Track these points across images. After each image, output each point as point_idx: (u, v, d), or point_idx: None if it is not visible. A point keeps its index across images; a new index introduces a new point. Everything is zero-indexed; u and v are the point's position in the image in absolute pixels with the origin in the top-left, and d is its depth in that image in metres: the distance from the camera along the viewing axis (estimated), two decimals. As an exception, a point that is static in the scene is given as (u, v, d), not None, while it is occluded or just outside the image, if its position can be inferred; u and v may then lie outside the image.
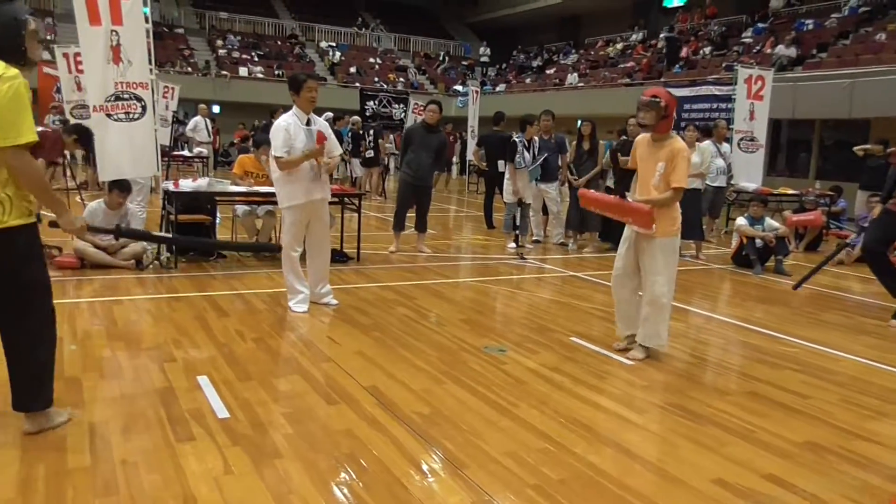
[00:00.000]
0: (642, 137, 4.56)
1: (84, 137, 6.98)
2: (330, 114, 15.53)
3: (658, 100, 4.29)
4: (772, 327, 5.54)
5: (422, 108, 17.96)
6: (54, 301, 3.07)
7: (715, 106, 13.70)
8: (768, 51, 17.67)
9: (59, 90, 13.61)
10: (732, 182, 10.54)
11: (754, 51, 18.49)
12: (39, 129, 5.30)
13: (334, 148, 5.43)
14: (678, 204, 4.43)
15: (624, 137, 8.39)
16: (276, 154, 5.09)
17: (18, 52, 2.84)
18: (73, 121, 10.54)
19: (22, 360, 2.96)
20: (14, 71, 2.78)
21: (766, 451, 3.23)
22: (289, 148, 5.07)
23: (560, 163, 9.09)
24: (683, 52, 20.94)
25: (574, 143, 9.06)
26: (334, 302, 5.53)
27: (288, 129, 5.09)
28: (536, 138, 8.78)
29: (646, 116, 4.33)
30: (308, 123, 5.20)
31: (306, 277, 5.49)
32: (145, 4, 6.54)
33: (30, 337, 2.94)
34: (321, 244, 5.45)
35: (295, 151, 5.08)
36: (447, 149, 9.50)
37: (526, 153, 8.68)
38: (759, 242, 8.03)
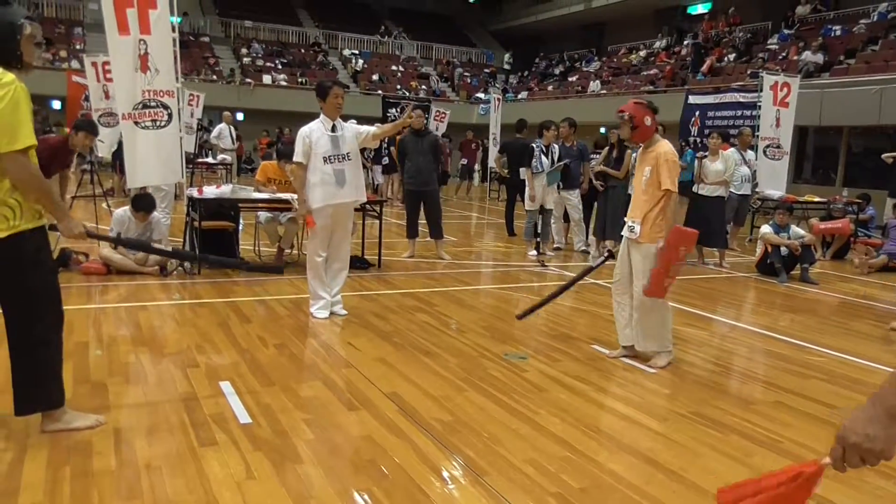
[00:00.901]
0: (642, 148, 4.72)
1: (87, 126, 6.93)
2: (353, 121, 15.62)
3: (623, 113, 4.49)
4: (798, 336, 5.46)
5: (443, 115, 18.09)
6: (82, 307, 3.12)
7: (739, 113, 13.56)
8: (794, 57, 17.47)
9: (87, 98, 13.87)
10: (757, 190, 10.43)
11: (780, 57, 18.30)
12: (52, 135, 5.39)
13: (365, 136, 5.45)
14: (668, 212, 4.40)
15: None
16: (295, 160, 5.25)
17: (14, 56, 2.85)
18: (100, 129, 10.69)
19: (28, 362, 2.97)
20: (10, 76, 2.78)
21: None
22: (307, 155, 5.15)
23: (582, 170, 9.06)
24: (707, 60, 20.77)
25: (605, 150, 9.01)
26: (343, 312, 5.47)
27: (310, 136, 5.17)
28: (556, 145, 8.76)
29: (622, 132, 4.64)
30: (334, 129, 5.25)
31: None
32: (173, 14, 6.64)
33: (37, 340, 2.96)
34: (341, 252, 5.48)
35: (316, 157, 5.15)
36: (440, 148, 9.59)
37: (543, 158, 8.66)
38: (784, 250, 7.92)
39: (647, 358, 4.58)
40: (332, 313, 5.42)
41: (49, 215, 3.00)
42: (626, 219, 4.59)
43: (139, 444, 3.03)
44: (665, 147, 4.50)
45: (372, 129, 5.55)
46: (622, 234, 4.63)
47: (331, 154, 5.18)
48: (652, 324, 4.45)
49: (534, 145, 8.78)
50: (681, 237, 4.33)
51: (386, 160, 14.13)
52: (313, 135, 5.17)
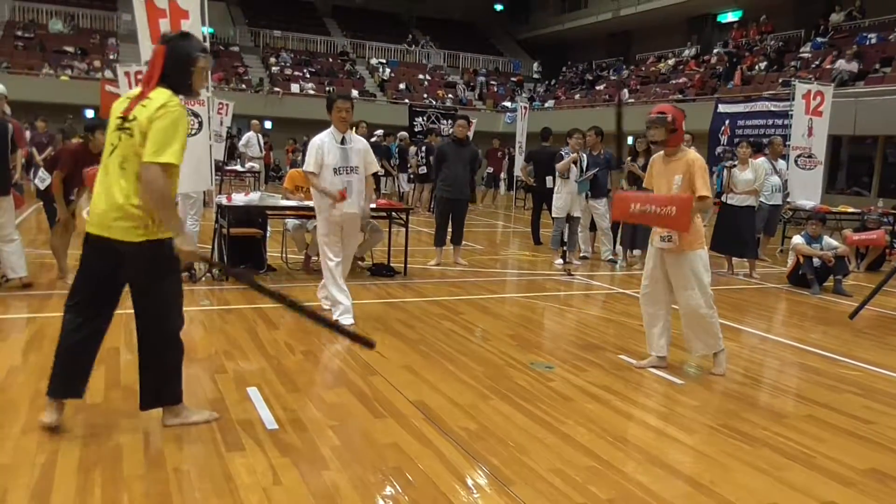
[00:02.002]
0: (657, 155, 4.60)
1: (101, 124, 6.96)
2: (380, 131, 15.73)
3: (665, 115, 4.34)
4: (831, 349, 5.35)
5: (471, 122, 18.10)
6: (117, 312, 3.20)
7: (770, 122, 13.41)
8: (828, 66, 17.21)
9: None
10: (789, 200, 10.27)
11: (812, 66, 18.04)
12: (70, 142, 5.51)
13: (371, 165, 5.57)
14: (700, 217, 4.48)
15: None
16: (307, 169, 5.35)
17: (184, 86, 3.14)
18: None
19: (157, 360, 3.20)
20: (176, 100, 3.05)
21: (826, 476, 3.11)
22: (319, 165, 5.25)
23: (609, 179, 9.00)
24: (738, 69, 20.55)
25: (628, 161, 8.96)
26: (350, 321, 5.39)
27: (321, 147, 5.28)
28: (584, 153, 8.73)
29: (655, 133, 4.38)
30: (343, 142, 5.36)
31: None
32: (204, 24, 6.74)
33: (166, 339, 3.19)
34: (347, 259, 5.61)
35: (326, 168, 5.25)
36: (479, 161, 9.70)
37: (573, 166, 8.63)
38: (816, 261, 7.78)
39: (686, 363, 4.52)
40: (325, 309, 5.47)
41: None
42: (656, 229, 4.50)
43: (168, 448, 3.06)
44: (695, 154, 4.49)
45: (375, 169, 5.69)
46: (653, 244, 4.55)
47: (340, 166, 5.29)
48: (704, 327, 4.48)
49: (562, 152, 8.76)
50: (688, 206, 4.20)
51: (423, 169, 14.16)
52: (325, 146, 5.29)
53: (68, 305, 3.17)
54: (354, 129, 11.24)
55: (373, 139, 12.40)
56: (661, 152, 4.53)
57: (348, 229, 5.45)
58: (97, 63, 23.20)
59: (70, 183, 6.16)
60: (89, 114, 21.09)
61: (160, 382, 3.22)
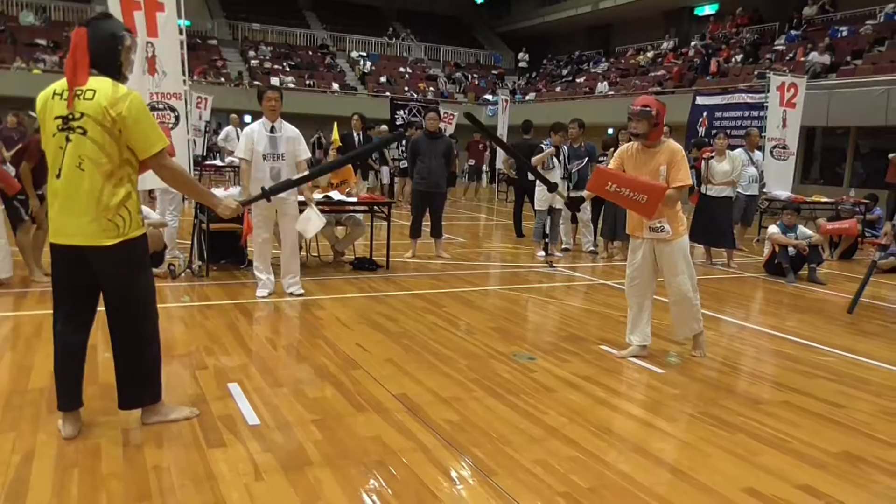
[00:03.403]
0: (628, 147, 4.64)
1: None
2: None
3: (649, 109, 4.38)
4: (805, 336, 5.44)
5: (451, 116, 18.10)
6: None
7: (747, 114, 13.53)
8: (801, 58, 17.41)
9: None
10: (765, 190, 10.40)
11: (787, 58, 18.24)
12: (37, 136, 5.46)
13: (300, 153, 5.95)
14: (680, 204, 4.58)
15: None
16: (238, 155, 5.99)
17: (114, 67, 2.98)
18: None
19: (135, 359, 3.15)
20: (123, 88, 2.92)
21: (800, 460, 3.17)
22: (250, 151, 5.80)
23: (590, 171, 9.04)
24: (714, 60, 20.72)
25: (611, 152, 9.00)
26: (300, 291, 6.03)
27: (252, 135, 5.84)
28: (565, 146, 8.76)
29: (637, 126, 4.42)
30: (273, 130, 5.86)
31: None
32: (180, 17, 6.67)
33: (143, 338, 3.13)
34: (289, 238, 5.99)
35: (256, 154, 5.80)
36: (454, 153, 9.70)
37: (554, 158, 8.66)
38: (791, 251, 7.90)
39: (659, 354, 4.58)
40: (289, 293, 6.01)
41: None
42: (646, 220, 4.50)
43: (148, 445, 3.05)
44: (676, 144, 4.58)
45: (305, 156, 6.00)
46: (644, 236, 4.58)
47: (269, 152, 5.81)
48: (691, 312, 4.63)
49: (543, 145, 8.78)
50: (660, 196, 4.32)
51: (404, 163, 14.12)
52: (254, 134, 5.83)
53: (56, 317, 3.09)
54: (353, 121, 11.31)
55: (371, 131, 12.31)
56: (635, 144, 4.57)
57: (281, 215, 5.88)
58: (71, 56, 22.82)
59: (40, 175, 6.07)
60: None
61: (139, 382, 3.17)
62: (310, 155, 6.29)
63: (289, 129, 5.94)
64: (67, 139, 2.88)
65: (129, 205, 2.98)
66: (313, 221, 6.08)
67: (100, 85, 2.88)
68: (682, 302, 4.61)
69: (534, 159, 8.59)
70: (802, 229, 8.15)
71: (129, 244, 2.98)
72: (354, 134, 11.35)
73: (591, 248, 9.27)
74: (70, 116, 2.86)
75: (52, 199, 2.96)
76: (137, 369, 3.17)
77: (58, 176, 2.91)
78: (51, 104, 2.93)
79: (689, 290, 4.56)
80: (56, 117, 2.89)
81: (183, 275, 6.66)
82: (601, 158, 9.23)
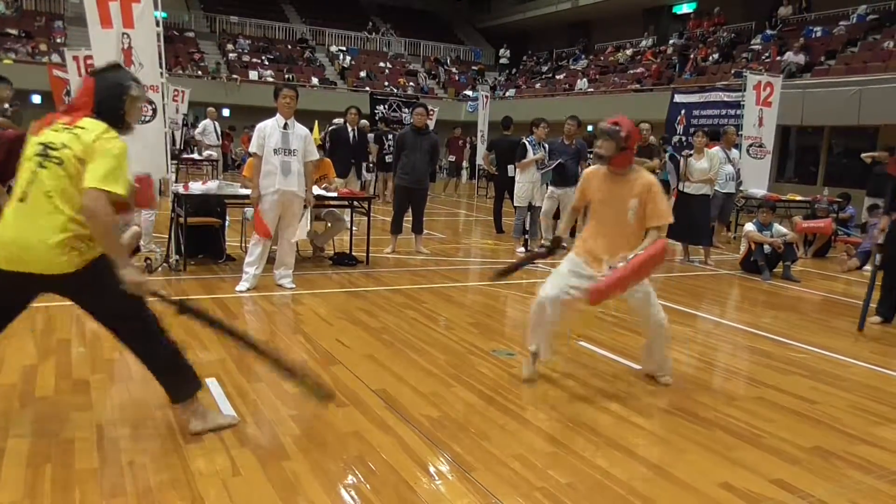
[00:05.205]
0: (593, 171, 4.07)
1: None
2: (339, 120, 15.52)
3: (618, 129, 3.81)
4: (780, 333, 5.52)
5: (432, 111, 18.07)
6: (64, 304, 3.12)
7: (724, 112, 13.65)
8: (777, 58, 17.63)
9: (68, 93, 13.71)
10: (742, 188, 10.53)
11: (763, 57, 18.45)
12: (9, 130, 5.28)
13: (310, 154, 6.10)
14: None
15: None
16: (251, 150, 6.06)
17: (117, 117, 2.95)
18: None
19: (155, 358, 3.10)
20: (113, 134, 2.86)
21: (773, 455, 3.22)
22: (261, 147, 5.87)
23: (579, 168, 9.07)
24: (691, 58, 20.91)
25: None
26: (291, 285, 6.14)
27: (264, 130, 5.92)
28: (546, 145, 8.78)
29: (603, 146, 3.85)
30: (286, 127, 5.95)
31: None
32: (157, 8, 6.58)
33: (149, 337, 3.07)
34: (287, 233, 6.11)
35: (268, 149, 5.86)
36: (438, 149, 9.68)
37: (537, 153, 8.68)
38: (767, 248, 8.01)
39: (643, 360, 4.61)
40: (280, 285, 6.13)
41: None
42: (606, 257, 3.88)
43: (123, 441, 3.01)
44: (650, 175, 3.97)
45: (314, 157, 6.23)
46: (603, 272, 3.83)
47: (280, 147, 5.89)
48: (662, 347, 4.13)
49: (525, 141, 8.80)
50: (664, 252, 3.84)
51: (389, 158, 14.01)
52: (267, 129, 5.93)
53: None
54: (348, 115, 11.17)
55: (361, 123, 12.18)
56: (600, 168, 3.99)
57: (287, 208, 5.96)
58: (43, 47, 22.39)
59: (5, 172, 5.93)
60: (36, 99, 20.43)
61: (172, 374, 3.13)
62: (318, 157, 6.46)
63: (301, 129, 6.06)
64: (42, 165, 2.80)
65: (87, 232, 2.84)
66: (303, 227, 6.20)
67: (93, 126, 2.85)
68: (659, 331, 4.06)
69: (518, 165, 8.60)
70: (778, 227, 8.27)
71: (95, 262, 2.87)
72: (349, 128, 11.13)
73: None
74: (51, 146, 2.81)
75: (12, 222, 2.81)
76: (162, 366, 3.12)
77: (25, 200, 2.80)
78: (40, 131, 2.91)
79: (664, 318, 4.06)
80: (40, 143, 2.85)
81: (160, 269, 6.58)
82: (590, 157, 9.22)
